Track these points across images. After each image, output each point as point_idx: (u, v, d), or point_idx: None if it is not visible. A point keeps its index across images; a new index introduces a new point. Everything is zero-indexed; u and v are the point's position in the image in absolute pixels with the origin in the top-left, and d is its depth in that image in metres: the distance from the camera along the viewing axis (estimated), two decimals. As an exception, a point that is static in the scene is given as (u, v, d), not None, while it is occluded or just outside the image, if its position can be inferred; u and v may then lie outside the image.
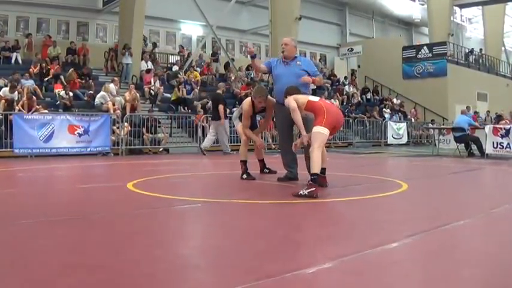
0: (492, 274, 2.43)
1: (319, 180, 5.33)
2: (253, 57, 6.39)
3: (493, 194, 5.93)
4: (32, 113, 12.11)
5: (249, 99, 6.77)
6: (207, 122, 15.33)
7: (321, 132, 5.03)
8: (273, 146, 16.29)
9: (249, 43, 25.09)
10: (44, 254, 2.71)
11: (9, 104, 12.34)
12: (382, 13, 32.03)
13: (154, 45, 21.32)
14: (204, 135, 14.92)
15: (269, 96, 6.78)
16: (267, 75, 14.25)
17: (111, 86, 15.08)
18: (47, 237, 3.14)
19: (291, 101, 5.35)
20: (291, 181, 6.18)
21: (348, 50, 28.33)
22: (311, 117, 5.36)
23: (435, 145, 14.32)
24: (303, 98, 5.41)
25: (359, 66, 28.42)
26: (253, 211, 4.33)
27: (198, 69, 20.25)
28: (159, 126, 14.50)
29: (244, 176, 6.57)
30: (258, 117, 8.02)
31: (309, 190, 4.71)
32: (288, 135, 6.49)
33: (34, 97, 13.02)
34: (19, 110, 12.27)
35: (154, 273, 2.33)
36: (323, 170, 5.61)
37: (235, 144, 14.27)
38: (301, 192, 4.74)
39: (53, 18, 19.59)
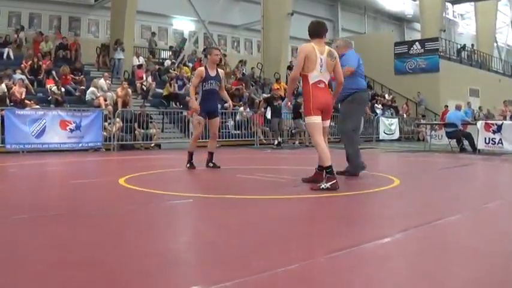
0: (483, 270, 2.44)
1: (315, 177, 5.36)
2: None
3: (484, 190, 5.96)
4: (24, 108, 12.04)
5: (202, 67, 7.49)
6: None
7: (312, 121, 5.08)
8: (265, 142, 16.36)
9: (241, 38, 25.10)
10: (35, 250, 2.68)
11: (1, 100, 12.27)
12: (374, 9, 32.12)
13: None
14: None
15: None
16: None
17: (101, 81, 14.96)
18: (37, 233, 3.11)
19: (300, 56, 5.06)
20: (351, 176, 6.33)
21: (340, 45, 28.26)
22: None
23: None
24: (312, 63, 5.04)
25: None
26: (245, 206, 4.32)
27: (190, 64, 20.20)
28: (150, 122, 14.45)
29: (188, 165, 7.34)
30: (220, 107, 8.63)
31: (331, 183, 4.83)
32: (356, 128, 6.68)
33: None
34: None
35: (145, 269, 2.32)
36: (320, 168, 5.52)
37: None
38: (323, 185, 4.84)
39: (44, 13, 19.46)
